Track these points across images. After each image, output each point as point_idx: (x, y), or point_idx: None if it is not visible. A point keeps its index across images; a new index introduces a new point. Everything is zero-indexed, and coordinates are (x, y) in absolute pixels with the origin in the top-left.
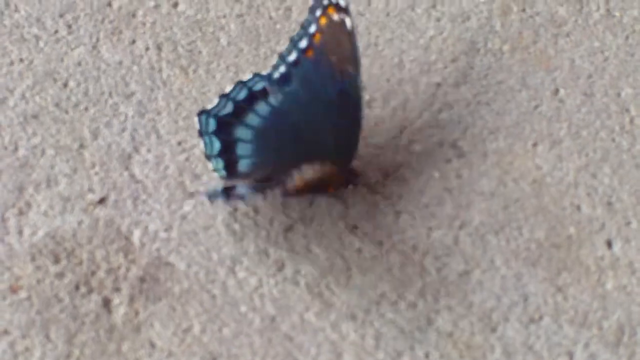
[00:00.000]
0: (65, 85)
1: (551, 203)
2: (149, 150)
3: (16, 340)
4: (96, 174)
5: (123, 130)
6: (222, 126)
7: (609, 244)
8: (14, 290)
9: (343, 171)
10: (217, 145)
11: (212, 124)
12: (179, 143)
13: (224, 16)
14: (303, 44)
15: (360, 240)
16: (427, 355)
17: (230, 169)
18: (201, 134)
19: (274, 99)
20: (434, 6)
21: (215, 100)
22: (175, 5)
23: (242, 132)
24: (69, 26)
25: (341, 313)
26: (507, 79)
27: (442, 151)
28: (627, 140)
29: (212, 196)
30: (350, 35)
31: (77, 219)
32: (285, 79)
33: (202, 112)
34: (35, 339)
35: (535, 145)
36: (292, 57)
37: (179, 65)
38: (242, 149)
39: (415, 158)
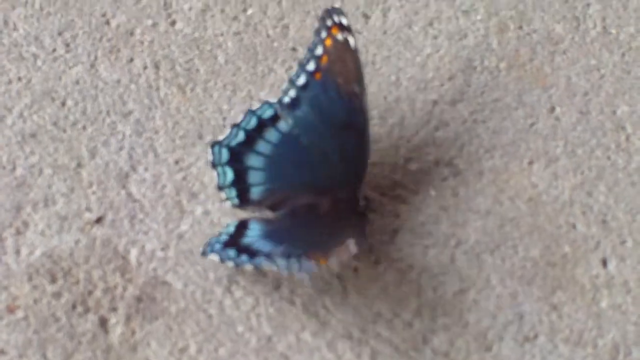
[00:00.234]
0: (63, 104)
1: (547, 221)
2: (146, 169)
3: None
4: (93, 193)
5: (121, 149)
6: (234, 155)
7: (604, 263)
8: (11, 310)
9: (355, 197)
10: (230, 175)
11: (225, 155)
12: (177, 162)
13: (222, 34)
14: (311, 67)
15: (356, 259)
16: None
17: (243, 197)
18: (214, 165)
19: (283, 125)
20: (431, 24)
21: (227, 130)
22: (173, 23)
23: (253, 160)
24: (67, 45)
25: (337, 332)
26: (504, 97)
27: (438, 169)
28: (623, 158)
29: (221, 255)
30: (354, 53)
31: (74, 239)
32: (295, 103)
33: (215, 144)
34: (32, 359)
35: (531, 163)
36: (301, 80)
37: (177, 84)
38: (254, 177)
39: (411, 176)
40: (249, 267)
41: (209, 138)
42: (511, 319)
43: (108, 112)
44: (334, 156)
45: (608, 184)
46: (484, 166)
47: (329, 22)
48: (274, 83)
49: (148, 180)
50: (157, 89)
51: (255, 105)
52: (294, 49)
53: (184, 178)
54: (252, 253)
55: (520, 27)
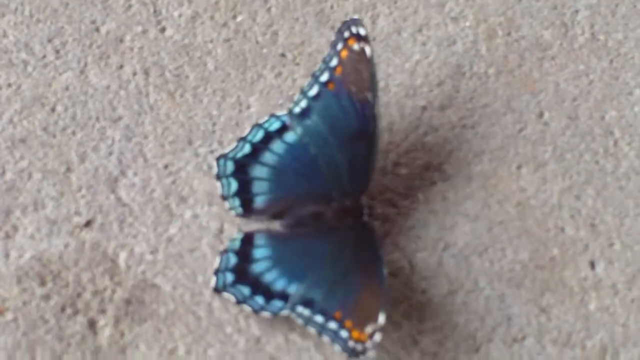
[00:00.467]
0: (53, 109)
1: (535, 225)
2: (135, 174)
3: None
4: (83, 197)
5: (110, 154)
6: (240, 167)
7: (593, 265)
8: (0, 312)
9: (360, 205)
10: (234, 185)
11: (230, 167)
12: (166, 166)
13: (211, 41)
14: (324, 77)
15: None
16: None
17: (246, 206)
18: (219, 177)
19: (291, 135)
20: (420, 30)
21: (233, 144)
22: (163, 30)
23: (258, 171)
24: (57, 51)
25: None
26: (493, 103)
27: (427, 174)
28: (611, 163)
29: (237, 295)
30: (369, 62)
31: (64, 242)
32: (305, 113)
33: (221, 157)
34: None
35: (519, 167)
36: (314, 91)
37: (166, 90)
38: (258, 187)
39: (401, 180)
40: (268, 315)
41: (198, 143)
42: (500, 321)
43: (97, 118)
44: (341, 164)
45: (596, 188)
46: (473, 171)
47: (346, 34)
48: (263, 89)
49: (137, 185)
50: (147, 94)
51: (262, 119)
52: (283, 55)
53: (173, 182)
54: (266, 291)
55: (509, 34)
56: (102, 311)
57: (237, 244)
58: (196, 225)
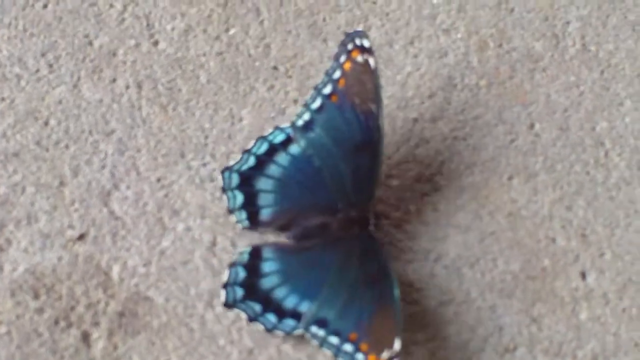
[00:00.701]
0: (46, 123)
1: (526, 236)
2: (128, 187)
3: None
4: (76, 210)
5: (103, 167)
6: (245, 180)
7: (583, 276)
8: None
9: (366, 215)
10: (240, 198)
11: (235, 179)
12: (158, 180)
13: (204, 54)
14: (327, 90)
15: None
16: None
17: (253, 219)
18: (224, 189)
19: (295, 148)
20: (411, 43)
21: (238, 157)
22: (156, 43)
23: (263, 183)
24: (50, 65)
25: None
26: (484, 114)
27: (419, 185)
28: (602, 174)
29: (249, 313)
30: (373, 73)
31: (57, 255)
32: (309, 125)
33: (225, 169)
34: None
35: (510, 178)
36: (317, 104)
37: (159, 103)
38: (264, 199)
39: (392, 192)
40: (281, 333)
41: (190, 156)
42: (491, 331)
43: (90, 132)
44: (346, 175)
45: (587, 198)
46: (464, 182)
47: (349, 46)
48: (255, 102)
49: (130, 198)
50: (140, 108)
51: (266, 132)
52: (275, 68)
53: (166, 195)
54: (277, 308)
55: (500, 45)
56: (96, 324)
57: (245, 258)
58: (189, 238)
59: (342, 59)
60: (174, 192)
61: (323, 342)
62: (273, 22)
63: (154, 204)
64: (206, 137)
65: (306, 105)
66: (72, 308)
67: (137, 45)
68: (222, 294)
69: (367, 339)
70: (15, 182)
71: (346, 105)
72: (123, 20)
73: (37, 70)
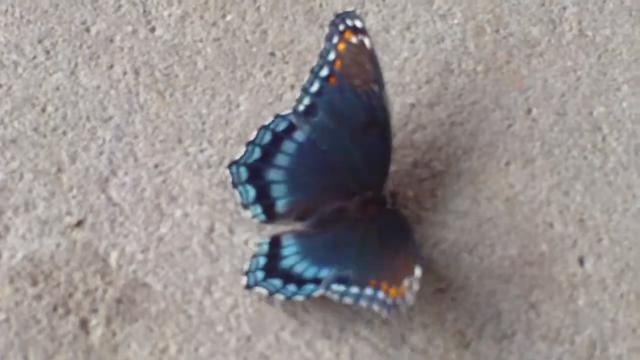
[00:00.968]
0: (44, 110)
1: (524, 221)
2: (126, 173)
3: None
4: (74, 197)
5: (101, 153)
6: (254, 172)
7: (581, 261)
8: None
9: (382, 195)
10: (252, 192)
11: (243, 173)
12: (156, 166)
13: (201, 40)
14: (324, 72)
15: None
16: None
17: (269, 212)
18: (235, 184)
19: (300, 134)
20: (408, 28)
21: (242, 150)
22: (153, 30)
23: (274, 174)
24: (47, 52)
25: (316, 331)
26: (481, 99)
27: (416, 171)
28: (599, 159)
29: (269, 288)
30: (371, 53)
31: (55, 242)
32: (310, 110)
33: (232, 164)
34: None
35: (508, 164)
36: (315, 87)
37: (156, 89)
38: (277, 191)
39: (390, 178)
40: (301, 298)
41: (188, 142)
42: (489, 317)
43: (88, 118)
44: (357, 157)
45: (585, 183)
46: (462, 167)
47: (341, 27)
48: (252, 88)
49: (128, 184)
50: (137, 94)
51: (267, 121)
52: (272, 54)
53: (164, 181)
54: (298, 280)
55: (497, 31)
56: (94, 311)
57: (265, 248)
58: (186, 224)
59: (335, 39)
60: (172, 178)
61: (343, 295)
62: (270, 8)
63: (151, 190)
64: (203, 123)
65: (305, 90)
66: (71, 295)
67: (134, 31)
68: (243, 280)
69: (387, 280)
70: (13, 169)
71: (345, 86)
72: (120, 6)
73: (34, 57)
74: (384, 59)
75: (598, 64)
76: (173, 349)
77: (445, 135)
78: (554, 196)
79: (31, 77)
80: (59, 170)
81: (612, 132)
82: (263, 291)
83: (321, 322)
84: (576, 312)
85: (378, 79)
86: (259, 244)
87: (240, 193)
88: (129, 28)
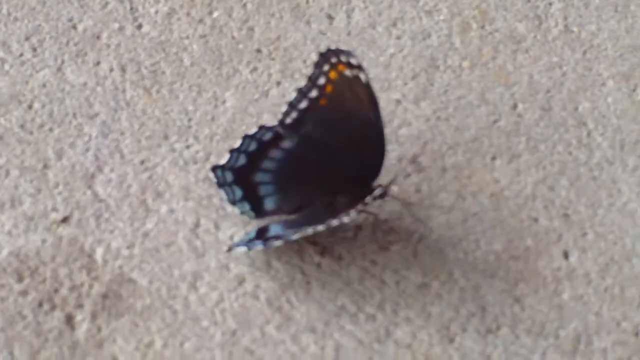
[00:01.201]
0: (30, 107)
1: (509, 216)
2: (112, 170)
3: None
4: (60, 193)
5: (87, 150)
6: (240, 175)
7: (566, 255)
8: None
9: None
10: (238, 192)
11: (229, 176)
12: (142, 162)
13: (187, 37)
14: (313, 94)
15: (320, 255)
16: None
17: (257, 209)
18: (220, 185)
19: (287, 143)
20: (394, 25)
21: (227, 156)
22: (140, 27)
23: (261, 177)
24: (34, 49)
25: (301, 326)
26: (467, 95)
27: (401, 166)
28: (584, 154)
29: (249, 245)
30: (367, 88)
31: (41, 238)
32: (299, 123)
33: (216, 168)
34: None
35: (493, 159)
36: (304, 104)
37: (143, 86)
38: (265, 190)
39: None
40: (280, 243)
41: (174, 138)
42: (474, 311)
43: (74, 115)
44: (348, 154)
45: (570, 178)
46: (447, 163)
47: (333, 59)
48: (239, 84)
49: (114, 181)
50: (123, 91)
51: (252, 131)
52: (258, 51)
53: (150, 178)
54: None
55: (483, 27)
56: (80, 306)
57: (252, 234)
58: (172, 220)
59: (326, 67)
60: (158, 174)
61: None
62: (256, 5)
63: (137, 186)
64: (190, 120)
65: (292, 106)
66: (56, 290)
67: (121, 28)
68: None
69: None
70: None
71: (338, 109)
72: (107, 3)
73: (21, 54)
74: (370, 55)
75: (583, 59)
76: (158, 343)
77: (430, 130)
78: (539, 191)
79: (18, 74)
80: (45, 166)
81: (597, 128)
82: (242, 249)
83: (306, 317)
84: (561, 306)
85: (375, 111)
86: (247, 233)
87: (227, 192)
88: (116, 25)
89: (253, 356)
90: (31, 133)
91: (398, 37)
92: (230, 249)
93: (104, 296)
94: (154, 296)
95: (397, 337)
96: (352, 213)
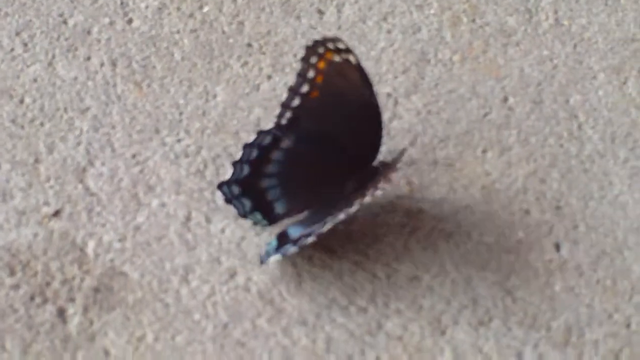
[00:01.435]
0: (22, 101)
1: (500, 208)
2: (103, 164)
3: None
4: (51, 187)
5: (78, 144)
6: (246, 186)
7: (557, 247)
8: None
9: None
10: (247, 203)
11: (235, 189)
12: (133, 156)
13: (178, 32)
14: (305, 89)
15: (311, 248)
16: (377, 358)
17: (269, 216)
18: (228, 200)
19: (287, 142)
20: (385, 19)
21: (230, 170)
22: (130, 22)
23: (267, 182)
24: (25, 44)
25: (292, 318)
26: (458, 88)
27: (392, 159)
28: (575, 146)
29: (280, 251)
30: (358, 67)
31: (33, 232)
32: (294, 121)
33: (222, 184)
34: None
35: (484, 152)
36: (296, 102)
37: (133, 80)
38: (273, 194)
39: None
40: (313, 239)
41: (165, 132)
42: (465, 304)
43: (65, 109)
44: (350, 145)
45: (561, 171)
46: (438, 156)
47: (320, 49)
48: (229, 78)
49: (105, 174)
50: (114, 85)
51: (250, 138)
52: (249, 45)
53: (141, 171)
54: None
55: (474, 20)
56: (71, 300)
57: (274, 243)
58: (163, 213)
59: (314, 59)
60: (149, 168)
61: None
62: (246, 0)
63: (128, 180)
64: (181, 114)
65: (286, 106)
66: (48, 284)
67: (112, 23)
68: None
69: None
70: None
71: (331, 93)
72: None
73: (12, 49)
74: (360, 49)
75: (574, 52)
76: (150, 337)
77: (421, 123)
78: (530, 184)
79: (9, 69)
80: (37, 160)
81: (588, 120)
82: (277, 257)
83: (297, 309)
84: (552, 298)
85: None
86: (268, 243)
87: (236, 206)
88: (107, 20)
89: (244, 349)
90: (22, 127)
91: (388, 31)
92: (262, 262)
93: (96, 290)
94: (145, 289)
95: (388, 330)
96: (377, 191)
